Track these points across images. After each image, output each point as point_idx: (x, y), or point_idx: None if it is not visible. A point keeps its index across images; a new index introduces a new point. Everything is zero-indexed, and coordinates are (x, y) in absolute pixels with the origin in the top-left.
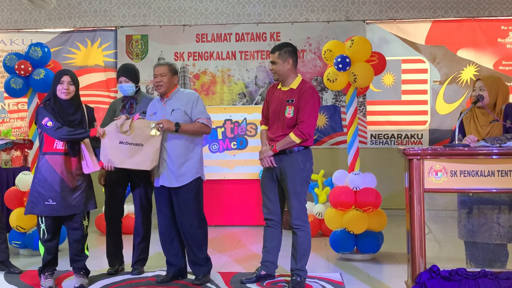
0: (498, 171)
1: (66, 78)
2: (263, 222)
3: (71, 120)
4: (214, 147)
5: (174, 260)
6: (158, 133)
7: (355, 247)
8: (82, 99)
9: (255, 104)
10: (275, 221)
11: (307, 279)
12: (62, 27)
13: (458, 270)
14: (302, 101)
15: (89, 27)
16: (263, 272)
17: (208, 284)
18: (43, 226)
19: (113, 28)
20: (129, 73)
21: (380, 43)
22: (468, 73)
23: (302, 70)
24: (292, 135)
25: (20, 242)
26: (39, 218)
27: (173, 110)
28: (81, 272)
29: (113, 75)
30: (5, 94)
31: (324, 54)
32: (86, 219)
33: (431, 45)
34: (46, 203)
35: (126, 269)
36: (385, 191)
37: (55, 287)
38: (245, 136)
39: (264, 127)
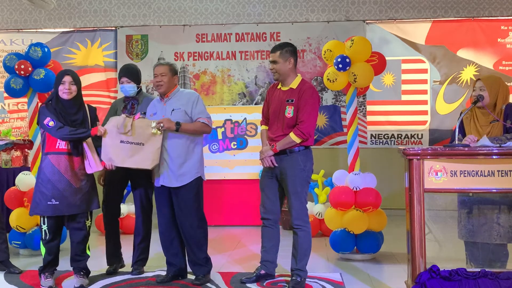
0: (498, 171)
1: (67, 78)
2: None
3: (73, 120)
4: (214, 147)
5: (174, 260)
6: (159, 132)
7: (355, 247)
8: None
9: (255, 104)
10: (271, 220)
11: (307, 279)
12: (62, 27)
13: (458, 270)
14: (302, 101)
15: (89, 27)
16: (262, 272)
17: (208, 284)
18: (44, 227)
19: (113, 28)
20: (131, 73)
21: (380, 43)
22: (468, 73)
23: (302, 70)
24: (292, 135)
25: (20, 242)
26: (41, 218)
27: (173, 110)
28: (82, 273)
29: (113, 75)
30: (5, 94)
31: (324, 54)
32: (89, 219)
33: (431, 45)
34: (49, 203)
35: (126, 269)
36: (385, 191)
37: (55, 287)
38: (245, 136)
39: (264, 127)
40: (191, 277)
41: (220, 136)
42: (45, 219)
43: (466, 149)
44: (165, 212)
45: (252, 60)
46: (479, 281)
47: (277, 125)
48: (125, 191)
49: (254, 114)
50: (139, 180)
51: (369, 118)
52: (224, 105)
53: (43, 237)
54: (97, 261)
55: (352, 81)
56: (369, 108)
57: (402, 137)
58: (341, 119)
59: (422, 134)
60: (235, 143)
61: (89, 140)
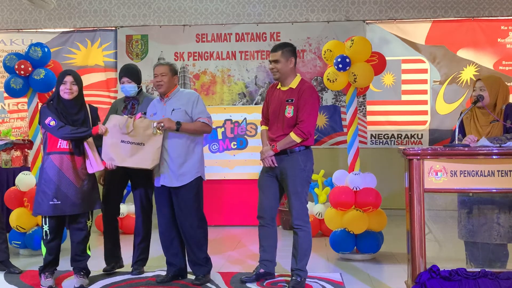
0: (498, 171)
1: (68, 78)
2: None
3: (74, 120)
4: (214, 147)
5: (174, 260)
6: (159, 132)
7: (355, 247)
8: None
9: (255, 104)
10: (267, 219)
11: (307, 279)
12: (62, 27)
13: (458, 270)
14: (302, 101)
15: (89, 27)
16: (262, 270)
17: (208, 284)
18: (46, 227)
19: (113, 28)
20: (132, 73)
21: (380, 43)
22: (468, 73)
23: (302, 70)
24: (292, 135)
25: (20, 242)
26: (43, 219)
27: (173, 110)
28: (82, 273)
29: (113, 75)
30: (5, 94)
31: (324, 54)
32: (90, 219)
33: (431, 45)
34: (51, 202)
35: (126, 268)
36: (385, 191)
37: (55, 286)
38: (245, 136)
39: (264, 127)
40: (191, 277)
41: (220, 136)
42: (47, 219)
43: (466, 149)
44: (165, 212)
45: (252, 60)
46: (479, 281)
47: (277, 125)
48: (125, 191)
49: (254, 114)
50: (139, 180)
51: (369, 118)
52: (224, 105)
53: (44, 237)
54: (97, 261)
55: (352, 81)
56: (369, 108)
57: (402, 137)
58: (341, 119)
59: (422, 134)
60: (235, 143)
61: (90, 139)
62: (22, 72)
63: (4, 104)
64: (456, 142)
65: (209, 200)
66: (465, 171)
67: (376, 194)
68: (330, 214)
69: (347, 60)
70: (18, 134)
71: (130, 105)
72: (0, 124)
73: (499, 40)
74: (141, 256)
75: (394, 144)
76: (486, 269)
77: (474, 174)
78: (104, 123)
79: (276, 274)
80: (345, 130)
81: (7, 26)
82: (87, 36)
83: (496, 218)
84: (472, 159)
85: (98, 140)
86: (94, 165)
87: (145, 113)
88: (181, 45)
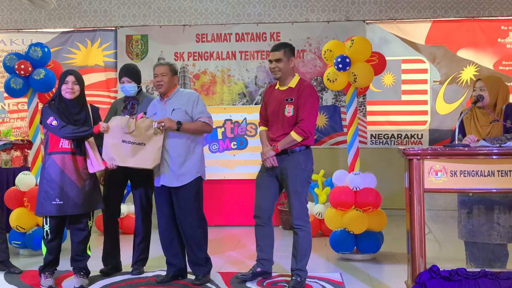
0: (498, 171)
1: (70, 78)
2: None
3: (76, 120)
4: (214, 147)
5: (174, 260)
6: (160, 132)
7: (355, 247)
8: None
9: (255, 104)
10: (263, 218)
11: (307, 279)
12: (62, 27)
13: (458, 270)
14: (302, 100)
15: (89, 27)
16: (258, 269)
17: (208, 284)
18: (46, 227)
19: (113, 28)
20: (132, 73)
21: (380, 43)
22: (468, 73)
23: (302, 70)
24: (293, 134)
25: (20, 242)
26: (44, 218)
27: (173, 110)
28: (82, 273)
29: (113, 75)
30: (5, 94)
31: (324, 54)
32: (91, 219)
33: (431, 45)
34: (53, 202)
35: (126, 269)
36: (385, 191)
37: (55, 286)
38: (245, 136)
39: (262, 128)
40: (191, 277)
41: (220, 136)
42: (48, 219)
43: (466, 149)
44: (165, 212)
45: (252, 60)
46: (479, 281)
47: (277, 125)
48: (125, 191)
49: (254, 114)
50: (139, 180)
51: (369, 118)
52: (224, 105)
53: (45, 236)
54: (97, 261)
55: (352, 81)
56: (369, 108)
57: (402, 137)
58: (341, 119)
59: (422, 134)
60: (235, 143)
61: (91, 139)
62: (22, 72)
63: (4, 104)
64: (456, 142)
65: (209, 200)
66: (465, 171)
67: (376, 194)
68: (330, 214)
69: (347, 60)
70: (18, 134)
71: (130, 105)
72: (0, 124)
73: (499, 40)
74: (141, 256)
75: (394, 144)
76: (486, 269)
77: (474, 174)
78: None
79: (276, 274)
80: (345, 130)
81: (7, 26)
82: (87, 36)
83: (496, 218)
84: (472, 159)
85: (99, 140)
86: (95, 165)
87: (145, 113)
88: (181, 45)
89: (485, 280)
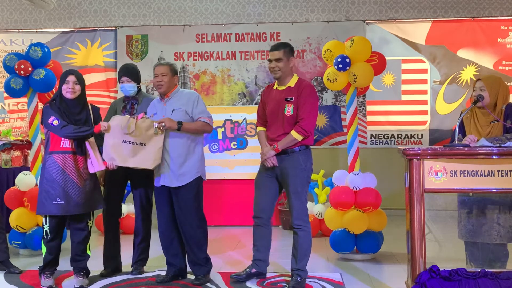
0: (498, 171)
1: (71, 78)
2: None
3: (77, 120)
4: (214, 147)
5: (174, 260)
6: (160, 132)
7: (355, 247)
8: None
9: (255, 104)
10: (263, 219)
11: (307, 279)
12: (62, 27)
13: (458, 270)
14: (302, 99)
15: (89, 27)
16: (254, 270)
17: (208, 284)
18: (46, 226)
19: (113, 28)
20: (131, 73)
21: (380, 43)
22: (468, 73)
23: (302, 70)
24: (293, 133)
25: (20, 242)
26: (44, 218)
27: (173, 110)
28: (81, 273)
29: (113, 75)
30: (5, 94)
31: (324, 54)
32: (91, 219)
33: (431, 45)
34: (54, 202)
35: (126, 269)
36: (385, 191)
37: (55, 286)
38: (245, 136)
39: (260, 128)
40: (191, 277)
41: (220, 136)
42: (47, 219)
43: (466, 149)
44: (165, 212)
45: (252, 60)
46: (479, 281)
47: (277, 125)
48: (125, 191)
49: (254, 114)
50: (138, 180)
51: (369, 118)
52: (224, 105)
53: (45, 236)
54: (97, 261)
55: (352, 81)
56: (369, 108)
57: (402, 137)
58: (341, 119)
59: (422, 134)
60: (235, 143)
61: (92, 139)
62: (22, 72)
63: (4, 104)
64: (456, 142)
65: (209, 200)
66: (465, 171)
67: (376, 194)
68: (330, 214)
69: (347, 60)
70: (18, 134)
71: (129, 105)
72: (0, 124)
73: (499, 40)
74: (141, 256)
75: (394, 144)
76: (486, 269)
77: (474, 174)
78: None
79: (276, 274)
80: (345, 130)
81: (7, 26)
82: (87, 36)
83: (496, 218)
84: (472, 159)
85: (100, 140)
86: (95, 165)
87: (145, 113)
88: (181, 45)
89: (485, 280)
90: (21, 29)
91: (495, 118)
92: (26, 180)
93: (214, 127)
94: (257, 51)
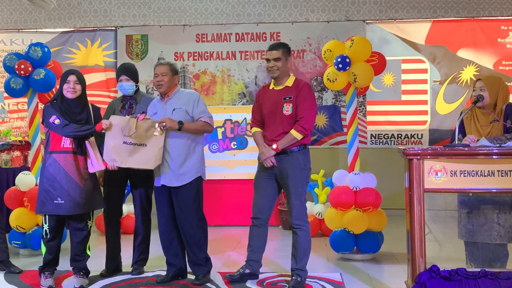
0: (498, 171)
1: (72, 78)
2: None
3: (77, 120)
4: (214, 147)
5: (174, 260)
6: (161, 132)
7: (355, 247)
8: None
9: None
10: (262, 219)
11: (307, 279)
12: (62, 27)
13: (458, 270)
14: (301, 98)
15: (89, 27)
16: (247, 271)
17: (208, 284)
18: (46, 226)
19: (113, 28)
20: (130, 72)
21: (380, 43)
22: (468, 73)
23: (302, 70)
24: (293, 132)
25: (20, 242)
26: (44, 217)
27: (174, 110)
28: (81, 273)
29: (113, 75)
30: (5, 94)
31: (324, 54)
32: (91, 219)
33: (431, 45)
34: (55, 201)
35: (126, 269)
36: (385, 191)
37: (55, 286)
38: (245, 136)
39: (256, 129)
40: (191, 277)
41: (220, 136)
42: (47, 218)
43: (466, 149)
44: (165, 212)
45: (252, 60)
46: (479, 281)
47: (275, 125)
48: (125, 191)
49: None
50: (138, 179)
51: (369, 118)
52: (224, 105)
53: (44, 236)
54: (97, 261)
55: (352, 81)
56: (369, 108)
57: (402, 137)
58: (341, 119)
59: (422, 134)
60: (235, 143)
61: (92, 139)
62: (22, 72)
63: (4, 104)
64: (456, 142)
65: (209, 200)
66: (465, 171)
67: (376, 194)
68: (330, 214)
69: (347, 60)
70: (18, 134)
71: (128, 105)
72: (0, 124)
73: (499, 40)
74: (141, 256)
75: (394, 144)
76: (486, 269)
77: (474, 174)
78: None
79: (276, 274)
80: (345, 130)
81: (7, 26)
82: (87, 36)
83: (496, 218)
84: (472, 159)
85: (100, 140)
86: (95, 165)
87: (145, 113)
88: (181, 45)
89: (485, 280)
90: (21, 29)
91: (495, 118)
92: (26, 180)
93: (214, 127)
94: (257, 51)
